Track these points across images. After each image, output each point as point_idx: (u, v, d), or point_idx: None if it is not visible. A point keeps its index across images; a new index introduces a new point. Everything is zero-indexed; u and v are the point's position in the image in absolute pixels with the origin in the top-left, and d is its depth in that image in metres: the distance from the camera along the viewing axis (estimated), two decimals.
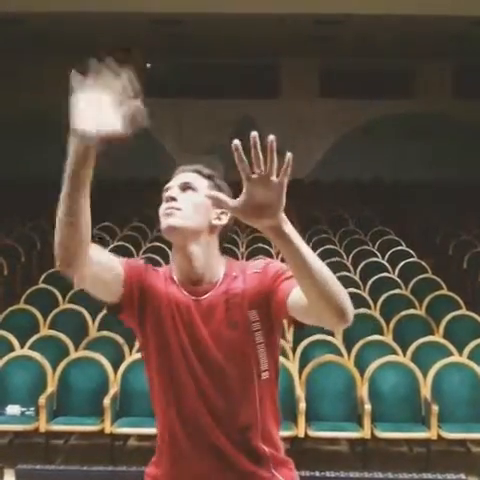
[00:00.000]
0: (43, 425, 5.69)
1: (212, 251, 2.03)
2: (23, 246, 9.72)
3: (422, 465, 5.66)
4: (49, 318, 7.17)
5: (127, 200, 12.36)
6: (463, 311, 7.47)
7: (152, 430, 5.68)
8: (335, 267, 8.74)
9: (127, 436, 6.14)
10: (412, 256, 9.35)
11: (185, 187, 2.03)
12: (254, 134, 1.63)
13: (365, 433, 5.63)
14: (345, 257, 9.28)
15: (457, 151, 13.84)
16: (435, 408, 5.59)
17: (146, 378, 2.09)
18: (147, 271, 2.03)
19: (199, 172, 2.07)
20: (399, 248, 9.68)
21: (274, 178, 1.65)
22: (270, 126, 14.92)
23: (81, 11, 10.74)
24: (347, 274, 8.52)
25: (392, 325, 7.15)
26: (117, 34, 12.19)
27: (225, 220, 2.05)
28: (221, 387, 1.96)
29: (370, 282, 8.31)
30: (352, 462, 5.92)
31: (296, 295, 1.83)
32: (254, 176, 1.63)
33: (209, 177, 2.08)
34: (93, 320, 7.18)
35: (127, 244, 9.64)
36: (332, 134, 14.36)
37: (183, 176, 2.06)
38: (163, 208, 2.00)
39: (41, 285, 8.15)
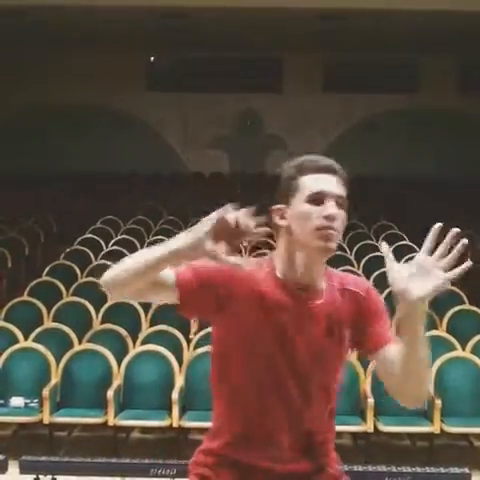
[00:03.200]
0: (47, 417, 5.71)
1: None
2: (27, 239, 9.73)
3: (425, 459, 5.67)
4: (53, 310, 7.19)
5: (130, 193, 12.36)
6: (466, 306, 7.47)
7: (155, 422, 5.75)
8: (338, 261, 8.75)
9: (130, 428, 6.16)
10: (415, 251, 9.31)
11: (339, 204, 1.94)
12: (455, 230, 1.84)
13: (368, 427, 5.64)
14: (348, 251, 9.27)
15: (461, 146, 13.82)
16: (438, 402, 5.60)
17: (214, 370, 2.03)
18: (224, 274, 1.90)
19: (342, 177, 1.97)
20: (403, 243, 9.67)
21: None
22: (274, 120, 15.07)
23: (86, 4, 10.74)
24: (350, 268, 8.52)
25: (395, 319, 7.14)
26: (122, 28, 12.19)
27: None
28: (304, 391, 1.96)
29: (373, 276, 8.30)
30: (355, 456, 5.92)
31: (390, 354, 1.95)
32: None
33: (346, 183, 1.99)
34: (97, 312, 7.19)
35: (130, 237, 9.65)
36: (335, 128, 14.35)
37: (335, 185, 1.94)
38: (323, 225, 1.90)
39: (45, 278, 8.17)
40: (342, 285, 2.02)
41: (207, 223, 1.72)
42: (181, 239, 1.75)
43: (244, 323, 1.92)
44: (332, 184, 1.93)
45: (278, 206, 1.98)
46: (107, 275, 1.88)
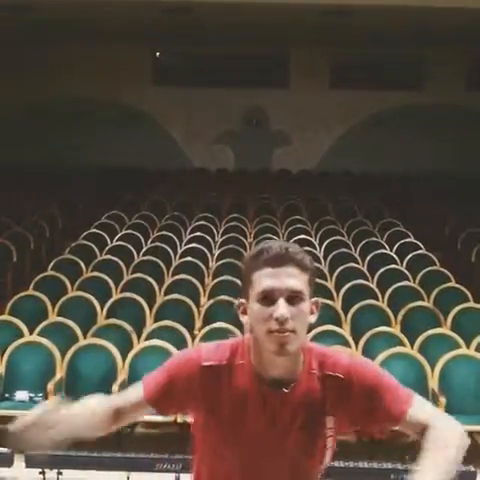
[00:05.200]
0: None
1: (301, 348, 1.87)
2: (32, 233, 9.75)
3: None
4: (58, 305, 7.21)
5: (135, 189, 12.37)
6: (471, 304, 7.46)
7: (159, 418, 5.75)
8: (343, 258, 8.76)
9: (134, 423, 6.17)
10: (420, 248, 9.34)
11: (294, 298, 1.78)
12: None
13: None
14: (353, 248, 9.27)
15: (468, 143, 13.78)
16: (442, 400, 5.60)
17: (193, 438, 2.02)
18: (193, 381, 1.87)
19: (299, 265, 1.80)
20: (407, 240, 9.68)
21: None
22: (279, 116, 15.05)
23: (92, 0, 10.73)
24: (355, 265, 8.53)
25: (400, 317, 7.16)
26: (128, 22, 12.18)
27: (317, 311, 1.88)
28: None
29: (378, 274, 8.31)
30: (359, 453, 5.92)
31: (417, 422, 1.88)
32: None
33: (308, 268, 1.83)
34: (102, 307, 7.21)
35: (135, 232, 9.67)
36: (341, 125, 14.32)
37: (287, 279, 1.78)
38: (274, 328, 1.76)
39: (50, 272, 8.19)
40: (322, 367, 1.87)
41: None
42: None
43: (216, 417, 1.88)
44: (283, 278, 1.77)
45: (241, 300, 1.87)
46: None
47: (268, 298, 1.77)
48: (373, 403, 1.84)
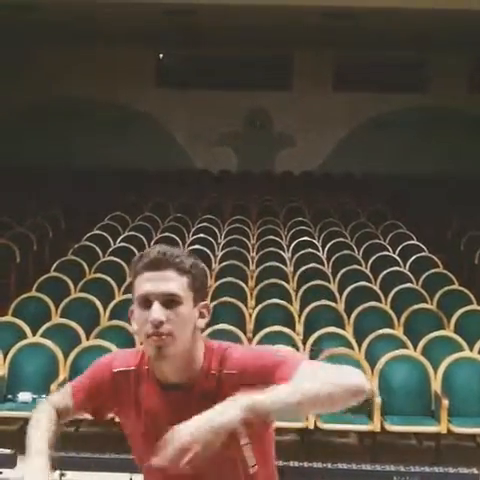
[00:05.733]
0: None
1: (194, 350, 1.86)
2: (35, 234, 9.76)
3: (431, 459, 5.67)
4: (61, 306, 7.21)
5: (138, 190, 12.38)
6: (474, 306, 7.46)
7: None
8: (346, 261, 8.76)
9: None
10: (423, 250, 9.33)
11: (170, 301, 1.79)
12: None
13: (375, 426, 5.64)
14: (356, 250, 9.27)
15: (471, 146, 13.77)
16: (445, 402, 5.60)
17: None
18: (102, 385, 1.96)
19: (177, 268, 1.81)
20: (410, 242, 9.68)
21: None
22: (282, 118, 15.05)
23: (95, 1, 10.74)
24: (358, 267, 8.53)
25: (403, 319, 7.15)
26: (131, 24, 12.20)
27: (208, 315, 1.89)
28: None
29: (381, 276, 8.31)
30: (361, 455, 5.93)
31: None
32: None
33: (187, 271, 1.82)
34: (105, 309, 7.21)
35: (138, 234, 9.67)
36: (344, 127, 14.32)
37: (162, 283, 1.79)
38: (150, 331, 1.77)
39: (53, 273, 8.20)
40: (220, 369, 1.85)
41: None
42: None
43: (128, 423, 1.96)
44: (159, 282, 1.78)
45: (131, 308, 1.88)
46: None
47: (145, 302, 1.79)
48: (266, 384, 1.77)
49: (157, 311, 1.76)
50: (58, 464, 4.37)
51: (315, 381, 1.70)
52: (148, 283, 1.79)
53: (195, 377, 1.85)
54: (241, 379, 1.82)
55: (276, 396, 1.67)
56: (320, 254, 9.05)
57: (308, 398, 1.68)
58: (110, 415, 2.06)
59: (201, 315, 1.86)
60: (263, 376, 1.80)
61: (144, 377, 1.90)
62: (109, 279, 7.90)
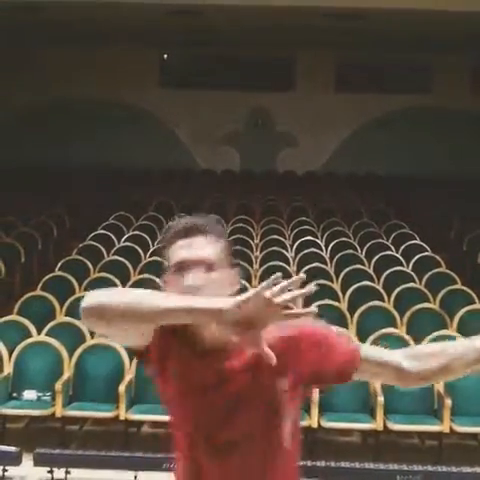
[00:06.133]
0: (59, 410, 5.77)
1: None
2: (40, 234, 9.80)
3: (433, 458, 5.69)
4: (66, 305, 7.24)
5: (142, 190, 12.41)
6: (477, 305, 7.47)
7: (166, 417, 5.77)
8: (349, 260, 8.78)
9: (141, 422, 6.21)
10: (426, 250, 9.35)
11: (205, 267, 1.81)
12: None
13: (377, 425, 5.67)
14: (359, 250, 9.29)
15: (474, 145, 13.79)
16: (448, 401, 5.62)
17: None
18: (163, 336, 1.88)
19: (210, 234, 1.85)
20: (413, 242, 9.69)
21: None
22: (285, 118, 15.05)
23: (99, 1, 10.77)
24: (361, 267, 8.55)
25: (406, 318, 7.17)
26: (134, 24, 12.23)
27: (238, 282, 1.90)
28: (237, 462, 1.84)
29: (384, 275, 8.33)
30: (363, 453, 5.95)
31: (380, 359, 1.87)
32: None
33: (219, 238, 1.86)
34: None
35: (142, 233, 9.71)
36: (347, 127, 14.34)
37: (197, 249, 1.83)
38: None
39: (58, 272, 8.23)
40: (270, 333, 1.80)
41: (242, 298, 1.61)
42: (202, 300, 1.66)
43: (170, 386, 1.88)
44: (194, 249, 1.81)
45: (164, 276, 1.89)
46: (94, 306, 1.70)
47: (181, 269, 1.81)
48: (323, 349, 1.83)
49: (193, 277, 1.79)
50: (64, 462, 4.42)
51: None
52: (183, 250, 1.82)
53: (230, 342, 1.81)
54: (294, 343, 1.83)
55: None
56: (323, 253, 9.07)
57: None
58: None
59: (231, 282, 1.87)
60: (319, 342, 1.84)
61: (190, 339, 1.86)
62: (113, 278, 7.92)
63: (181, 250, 1.83)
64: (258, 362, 1.76)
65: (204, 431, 1.84)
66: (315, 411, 5.65)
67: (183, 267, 1.81)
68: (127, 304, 1.69)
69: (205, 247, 1.83)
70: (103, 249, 9.09)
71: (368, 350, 1.89)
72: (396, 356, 1.89)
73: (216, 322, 1.64)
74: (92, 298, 1.71)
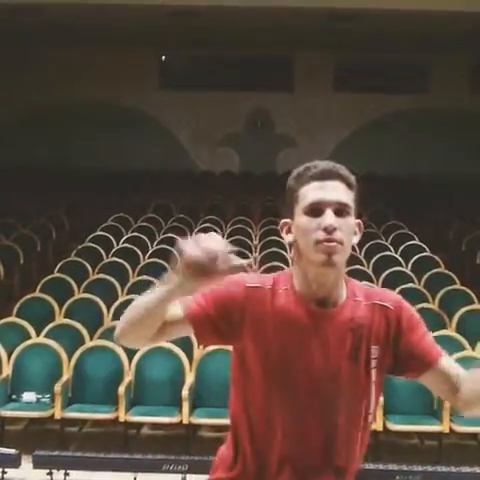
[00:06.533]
0: (58, 412, 5.75)
1: (343, 270, 1.86)
2: (39, 235, 9.80)
3: (433, 458, 5.68)
4: (64, 307, 7.24)
5: (141, 191, 12.41)
6: (476, 306, 7.47)
7: (165, 419, 5.79)
8: (348, 260, 8.77)
9: (141, 424, 6.21)
10: (425, 250, 9.36)
11: (341, 211, 1.79)
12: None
13: (377, 425, 5.66)
14: (358, 251, 9.29)
15: (472, 146, 13.79)
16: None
17: (232, 397, 1.94)
18: (236, 296, 1.85)
19: (345, 181, 1.84)
20: (412, 242, 9.69)
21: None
22: (284, 119, 15.05)
23: (98, 3, 10.77)
24: (360, 267, 8.55)
25: None
26: (133, 26, 12.23)
27: (360, 233, 1.88)
28: (325, 421, 1.83)
29: (383, 276, 8.33)
30: (364, 454, 5.94)
31: (450, 371, 1.87)
32: None
33: (353, 186, 1.85)
34: (108, 309, 7.24)
35: (141, 235, 9.71)
36: (346, 128, 14.35)
37: (334, 192, 1.81)
38: (322, 237, 1.76)
39: (57, 274, 8.22)
40: (369, 299, 1.87)
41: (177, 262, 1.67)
42: (168, 279, 1.72)
43: (260, 343, 1.82)
44: (331, 191, 1.80)
45: (284, 220, 1.88)
46: (118, 332, 1.87)
47: (316, 210, 1.78)
48: (416, 338, 1.86)
49: (331, 218, 1.77)
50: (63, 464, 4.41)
51: None
52: (320, 191, 1.80)
53: (342, 299, 1.85)
54: (395, 316, 1.85)
55: None
56: None
57: None
58: (214, 340, 1.94)
59: (355, 232, 1.85)
60: (416, 327, 1.87)
61: (283, 295, 1.85)
62: (112, 280, 7.92)
63: (319, 190, 1.80)
64: (357, 323, 1.81)
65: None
66: None
67: (318, 208, 1.79)
68: (130, 317, 1.84)
69: (342, 191, 1.81)
70: (102, 251, 9.09)
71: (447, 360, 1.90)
72: (459, 374, 1.88)
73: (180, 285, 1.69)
74: (117, 329, 1.86)
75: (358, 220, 1.86)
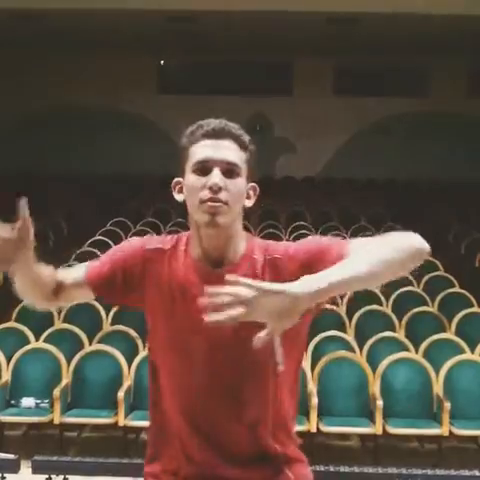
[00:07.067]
0: (57, 417, 5.75)
1: (238, 230, 1.82)
2: (37, 241, 9.76)
3: (433, 461, 5.68)
4: (64, 312, 7.22)
5: (140, 196, 12.41)
6: (475, 309, 7.48)
7: None
8: None
9: (140, 429, 6.18)
10: None
11: (230, 171, 1.75)
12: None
13: (377, 429, 5.66)
14: None
15: (471, 150, 13.80)
16: (447, 405, 5.61)
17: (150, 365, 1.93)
18: (135, 255, 1.87)
19: (238, 140, 1.79)
20: None
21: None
22: (283, 123, 15.06)
23: (97, 8, 10.80)
24: None
25: (404, 322, 7.17)
26: (132, 31, 12.25)
27: (254, 197, 1.85)
28: (229, 375, 1.78)
29: None
30: (363, 457, 5.95)
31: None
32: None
33: (246, 146, 1.80)
34: (107, 314, 7.24)
35: None
36: (345, 132, 14.36)
37: (224, 151, 1.76)
38: (206, 197, 1.73)
39: None
40: (264, 255, 1.81)
41: None
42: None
43: (157, 308, 1.83)
44: (221, 150, 1.75)
45: (177, 179, 1.86)
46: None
47: (204, 168, 1.75)
48: (312, 255, 1.76)
49: (217, 177, 1.73)
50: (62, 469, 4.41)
51: (374, 250, 1.68)
52: (209, 149, 1.76)
53: (237, 258, 1.81)
54: (283, 261, 1.78)
55: (339, 272, 1.59)
56: None
57: (373, 266, 1.64)
58: (121, 300, 1.96)
59: (248, 195, 1.83)
60: (307, 249, 1.78)
61: (180, 257, 1.84)
62: None
63: (207, 148, 1.76)
64: (250, 277, 1.67)
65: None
66: (314, 415, 5.64)
67: (205, 167, 1.76)
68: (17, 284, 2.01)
69: (233, 151, 1.77)
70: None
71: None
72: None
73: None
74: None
75: (253, 184, 1.84)
